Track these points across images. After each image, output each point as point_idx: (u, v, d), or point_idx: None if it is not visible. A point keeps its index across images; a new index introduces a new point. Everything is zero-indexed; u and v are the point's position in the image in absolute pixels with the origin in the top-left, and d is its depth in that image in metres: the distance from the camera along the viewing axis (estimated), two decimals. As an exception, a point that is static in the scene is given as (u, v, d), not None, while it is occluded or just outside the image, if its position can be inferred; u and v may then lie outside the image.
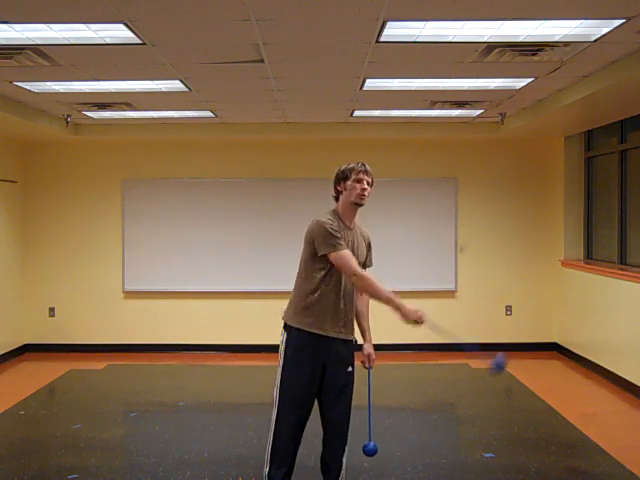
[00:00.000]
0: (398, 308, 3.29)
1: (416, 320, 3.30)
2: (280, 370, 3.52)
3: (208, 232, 8.24)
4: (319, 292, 3.45)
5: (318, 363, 3.47)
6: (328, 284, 3.45)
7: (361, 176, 3.48)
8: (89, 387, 6.85)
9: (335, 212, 3.54)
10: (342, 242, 3.39)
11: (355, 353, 3.62)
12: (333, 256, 3.36)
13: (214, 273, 8.24)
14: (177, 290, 8.27)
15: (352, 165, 3.52)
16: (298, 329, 3.47)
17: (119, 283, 8.31)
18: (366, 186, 3.48)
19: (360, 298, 3.68)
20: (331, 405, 3.53)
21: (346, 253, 3.37)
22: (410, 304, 3.31)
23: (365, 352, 3.66)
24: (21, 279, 8.25)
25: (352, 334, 3.56)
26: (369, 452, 3.71)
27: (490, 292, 8.36)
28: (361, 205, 3.51)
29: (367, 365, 3.69)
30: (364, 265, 3.62)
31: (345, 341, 3.52)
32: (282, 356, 3.52)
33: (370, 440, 3.71)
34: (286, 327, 3.54)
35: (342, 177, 3.52)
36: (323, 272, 3.45)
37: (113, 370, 7.47)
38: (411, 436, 5.19)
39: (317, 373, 3.48)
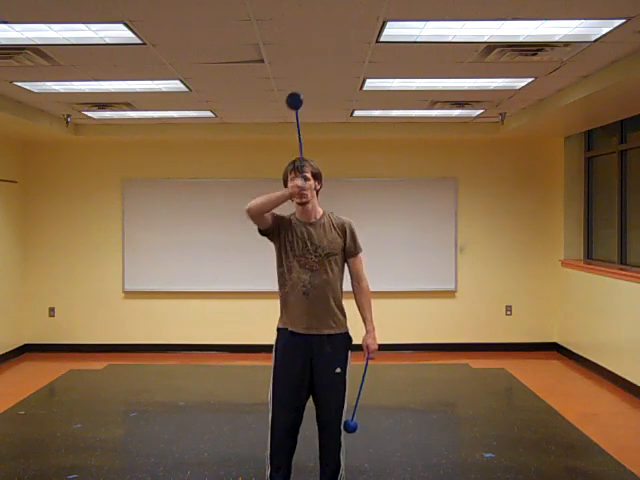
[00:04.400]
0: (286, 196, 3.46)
1: (292, 194, 3.44)
2: (272, 372, 3.57)
3: (208, 232, 8.24)
4: (285, 289, 3.54)
5: (305, 362, 3.49)
6: (289, 281, 3.51)
7: (292, 175, 3.54)
8: (89, 387, 6.85)
9: (293, 213, 3.65)
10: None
11: (353, 353, 3.63)
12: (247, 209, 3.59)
13: (214, 273, 8.24)
14: (177, 290, 8.27)
15: (287, 166, 3.60)
16: (282, 329, 3.57)
17: (119, 283, 8.31)
18: (299, 183, 3.48)
19: (358, 289, 3.65)
20: (321, 405, 3.55)
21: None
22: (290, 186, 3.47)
23: (363, 343, 3.64)
24: (21, 279, 8.25)
25: (330, 330, 3.52)
26: (348, 428, 3.59)
27: (490, 292, 8.36)
28: (303, 204, 3.54)
29: (366, 355, 3.65)
30: (345, 254, 3.61)
31: (330, 337, 3.51)
32: (273, 358, 3.60)
33: (352, 418, 3.61)
34: (277, 329, 3.63)
35: (284, 181, 3.63)
36: (282, 269, 3.57)
37: (113, 370, 7.47)
38: (411, 436, 5.19)
39: (305, 372, 3.50)
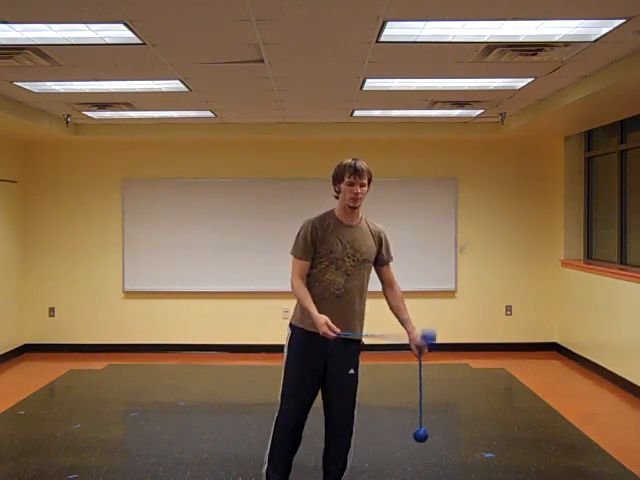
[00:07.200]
0: (313, 317, 3.35)
1: (324, 332, 3.30)
2: (283, 367, 3.57)
3: (208, 232, 8.24)
4: (317, 290, 3.47)
5: (319, 362, 3.48)
6: (322, 283, 3.46)
7: (352, 179, 3.43)
8: (89, 387, 6.85)
9: (331, 211, 3.56)
10: (301, 250, 3.46)
11: (404, 354, 3.63)
12: (292, 258, 3.51)
13: (214, 273, 8.23)
14: (177, 290, 8.27)
15: (345, 164, 3.47)
16: (300, 329, 3.51)
17: (119, 283, 8.31)
18: (358, 190, 3.43)
19: (393, 294, 3.65)
20: (332, 406, 3.54)
21: (295, 262, 3.49)
22: (325, 317, 3.32)
23: (413, 343, 3.56)
24: (21, 279, 8.24)
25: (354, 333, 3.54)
26: (419, 438, 3.59)
27: (490, 292, 8.36)
28: (354, 208, 3.49)
29: (418, 355, 3.58)
30: (376, 261, 3.61)
31: (345, 341, 3.50)
32: (285, 353, 3.58)
33: (420, 427, 3.58)
34: (291, 325, 3.59)
35: (337, 178, 3.51)
36: (317, 270, 3.49)
37: (113, 370, 7.47)
38: (411, 436, 5.18)
39: (318, 372, 3.49)
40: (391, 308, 3.65)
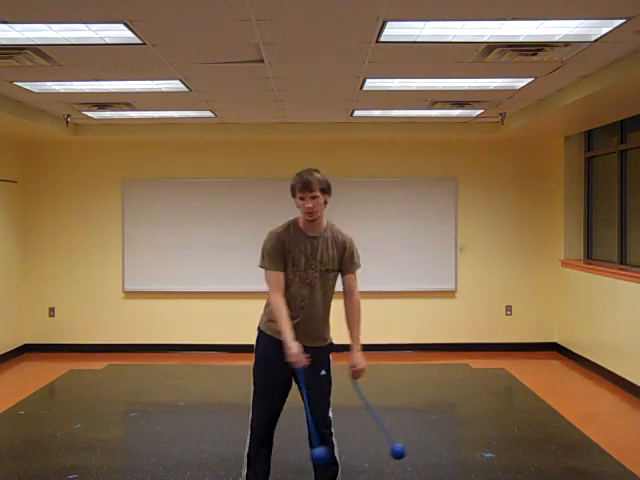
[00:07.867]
0: (285, 343, 3.30)
1: (293, 362, 3.29)
2: (252, 370, 3.60)
3: (208, 232, 8.24)
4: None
5: (285, 368, 3.41)
6: (287, 296, 3.42)
7: (302, 194, 3.36)
8: (89, 387, 6.85)
9: (295, 222, 3.51)
10: (272, 261, 3.41)
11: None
12: (264, 272, 3.46)
13: (214, 273, 8.24)
14: (177, 290, 8.27)
15: (295, 178, 3.41)
16: (266, 334, 3.52)
17: (119, 283, 8.31)
18: (309, 205, 3.35)
19: (351, 307, 3.53)
20: (310, 410, 3.51)
21: (269, 274, 3.43)
22: (295, 347, 3.27)
23: (352, 362, 3.46)
24: (21, 279, 8.24)
25: (320, 343, 3.51)
26: (396, 455, 3.49)
27: (490, 292, 8.35)
28: (312, 220, 3.42)
29: (352, 377, 3.49)
30: (339, 271, 3.53)
31: (312, 349, 3.43)
32: (254, 356, 3.61)
33: (393, 443, 3.49)
34: (258, 329, 3.60)
35: (291, 193, 3.46)
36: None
37: (113, 370, 7.47)
38: (411, 436, 5.19)
39: (284, 378, 3.49)
40: (346, 319, 3.56)
